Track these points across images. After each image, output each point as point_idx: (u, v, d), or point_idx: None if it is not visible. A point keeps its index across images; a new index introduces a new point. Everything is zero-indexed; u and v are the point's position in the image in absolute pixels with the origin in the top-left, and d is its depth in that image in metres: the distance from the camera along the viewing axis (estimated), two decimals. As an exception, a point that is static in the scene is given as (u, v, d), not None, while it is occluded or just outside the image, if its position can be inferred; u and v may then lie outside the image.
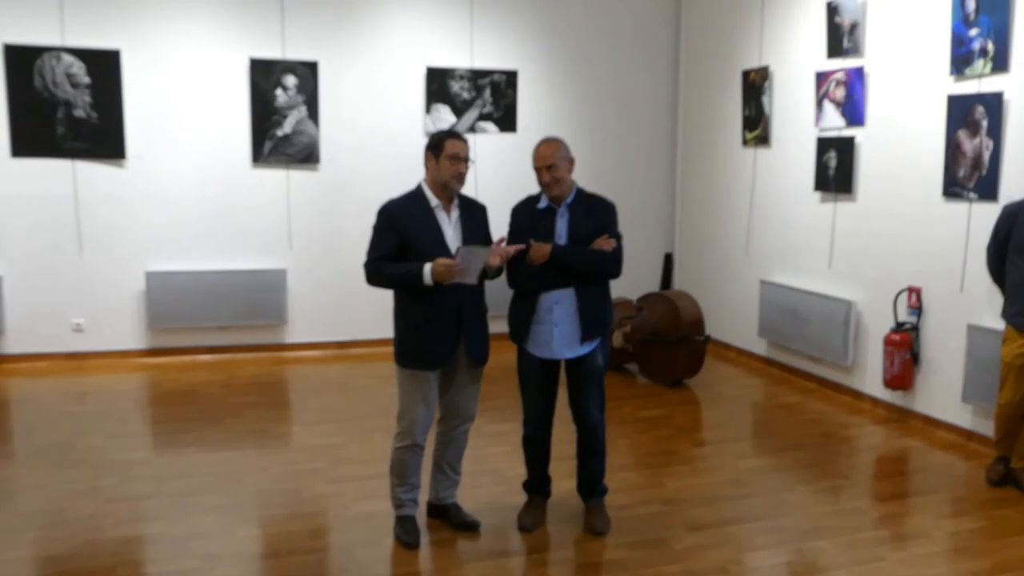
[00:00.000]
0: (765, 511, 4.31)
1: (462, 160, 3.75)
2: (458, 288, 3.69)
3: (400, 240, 3.68)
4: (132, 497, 4.36)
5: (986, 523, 4.16)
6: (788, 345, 6.87)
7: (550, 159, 3.83)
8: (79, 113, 6.72)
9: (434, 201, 3.77)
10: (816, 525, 4.13)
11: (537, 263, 3.80)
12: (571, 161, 3.91)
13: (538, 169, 3.87)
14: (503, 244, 3.83)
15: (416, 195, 3.81)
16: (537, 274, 3.83)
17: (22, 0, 6.57)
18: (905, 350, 5.57)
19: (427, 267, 3.60)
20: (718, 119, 7.81)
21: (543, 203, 3.95)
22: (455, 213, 3.82)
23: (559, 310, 3.85)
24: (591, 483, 4.15)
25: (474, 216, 3.90)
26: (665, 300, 6.72)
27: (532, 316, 3.88)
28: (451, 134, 3.80)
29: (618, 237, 3.90)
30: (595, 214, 3.93)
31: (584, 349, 3.90)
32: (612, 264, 3.87)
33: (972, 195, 5.17)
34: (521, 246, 3.82)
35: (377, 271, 3.73)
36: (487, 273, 3.82)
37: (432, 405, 3.85)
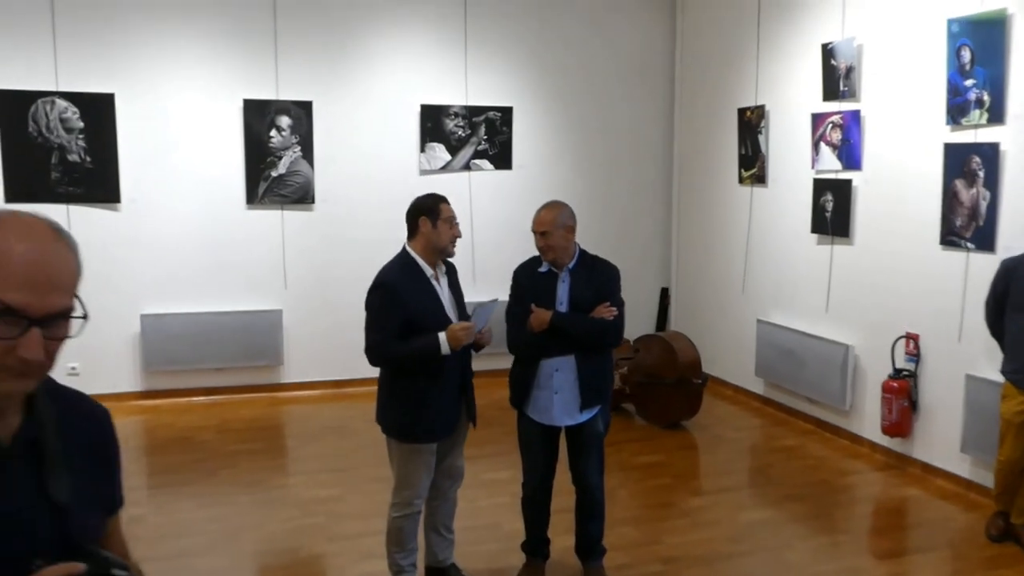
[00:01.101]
0: (765, 571, 4.29)
1: (456, 223, 3.77)
2: (460, 353, 3.69)
3: (404, 316, 3.60)
4: (128, 561, 4.31)
5: (987, 584, 4.16)
6: (785, 386, 6.85)
7: (546, 226, 3.81)
8: (73, 157, 6.68)
9: (429, 271, 3.74)
10: (817, 587, 4.11)
11: (537, 330, 3.78)
12: (570, 228, 3.86)
13: (535, 233, 3.87)
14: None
15: (409, 264, 3.73)
16: (537, 340, 3.81)
17: (16, 45, 6.55)
18: (903, 397, 5.56)
19: (442, 336, 3.57)
20: (714, 157, 7.80)
21: (544, 267, 3.92)
22: (443, 280, 3.81)
23: (559, 377, 3.83)
24: (589, 545, 4.13)
25: (454, 280, 3.92)
26: (661, 341, 6.70)
27: (532, 381, 3.86)
28: (442, 197, 3.81)
29: (620, 304, 3.87)
30: (597, 279, 3.89)
31: (584, 416, 3.88)
32: (613, 333, 3.84)
33: (969, 245, 5.17)
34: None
35: (388, 352, 3.63)
36: (476, 346, 3.79)
37: (432, 471, 3.83)
